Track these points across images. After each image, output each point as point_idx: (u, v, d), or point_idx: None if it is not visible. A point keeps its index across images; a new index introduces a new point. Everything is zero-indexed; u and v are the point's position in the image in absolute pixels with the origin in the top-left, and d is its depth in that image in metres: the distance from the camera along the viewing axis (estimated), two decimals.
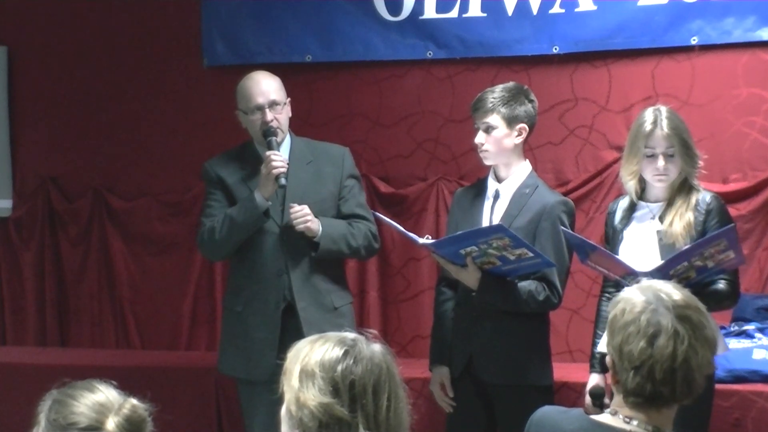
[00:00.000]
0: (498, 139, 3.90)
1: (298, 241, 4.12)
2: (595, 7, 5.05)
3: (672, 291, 2.22)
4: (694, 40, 4.94)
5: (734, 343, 4.40)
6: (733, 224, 3.59)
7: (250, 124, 4.18)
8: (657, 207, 3.81)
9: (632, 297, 2.23)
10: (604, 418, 2.26)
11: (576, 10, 5.08)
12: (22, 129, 6.09)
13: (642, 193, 3.86)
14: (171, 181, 5.82)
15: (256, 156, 4.18)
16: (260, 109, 4.13)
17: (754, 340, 4.47)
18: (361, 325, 5.15)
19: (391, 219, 4.13)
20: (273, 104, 4.14)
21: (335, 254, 4.18)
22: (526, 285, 3.82)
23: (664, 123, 3.75)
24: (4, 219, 6.08)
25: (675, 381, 2.16)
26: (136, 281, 5.90)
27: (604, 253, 3.69)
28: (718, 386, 4.10)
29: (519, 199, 3.92)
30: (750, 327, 4.52)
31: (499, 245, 3.66)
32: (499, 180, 3.98)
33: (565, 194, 5.09)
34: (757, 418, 4.27)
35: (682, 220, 3.71)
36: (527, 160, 4.03)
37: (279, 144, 4.16)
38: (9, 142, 6.05)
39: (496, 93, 3.92)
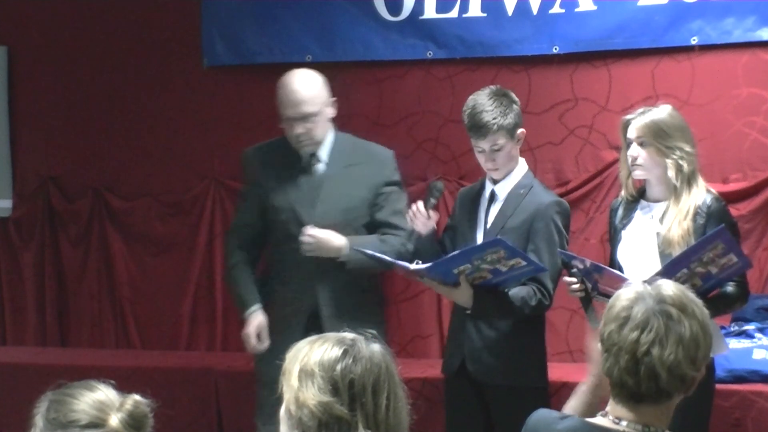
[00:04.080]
0: (506, 154, 3.89)
1: None
2: (595, 7, 5.05)
3: (668, 288, 2.23)
4: (694, 40, 4.94)
5: (734, 343, 4.40)
6: (722, 225, 3.51)
7: (287, 130, 4.16)
8: (657, 207, 3.79)
9: (629, 288, 2.26)
10: (597, 420, 2.28)
11: (576, 10, 5.07)
12: (22, 129, 6.09)
13: (644, 192, 3.85)
14: (171, 181, 5.82)
15: (295, 154, 4.16)
16: (289, 121, 4.09)
17: (754, 340, 4.47)
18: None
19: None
20: (305, 117, 4.08)
21: (367, 271, 4.12)
22: (518, 291, 3.80)
23: (643, 114, 3.75)
24: (4, 219, 6.08)
25: (638, 373, 2.17)
26: (136, 281, 5.90)
27: (598, 266, 3.65)
28: (718, 386, 4.10)
29: (514, 199, 3.91)
30: (750, 327, 4.52)
31: (493, 258, 3.64)
32: (495, 181, 3.97)
33: (565, 194, 5.11)
34: (757, 418, 4.27)
35: (680, 227, 3.66)
36: (523, 159, 4.01)
37: (318, 146, 4.14)
38: (9, 142, 6.05)
39: (491, 111, 3.84)
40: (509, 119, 3.86)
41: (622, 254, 3.81)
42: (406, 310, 5.44)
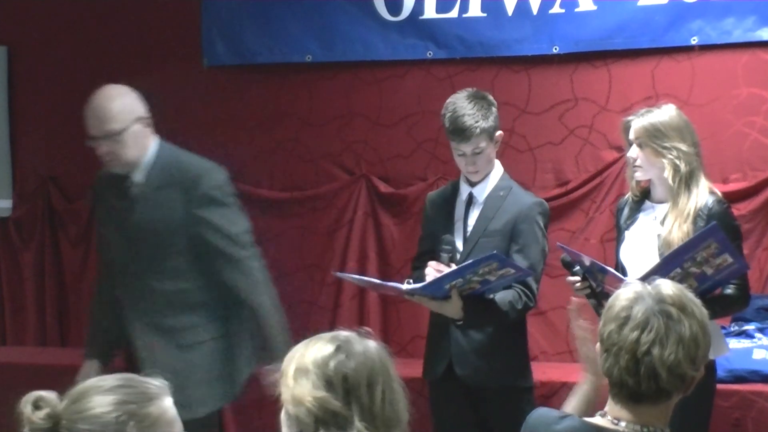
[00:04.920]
0: (486, 157, 3.88)
1: (139, 276, 3.81)
2: (595, 7, 5.05)
3: (667, 288, 2.23)
4: (694, 40, 4.95)
5: (734, 343, 4.40)
6: (714, 223, 3.47)
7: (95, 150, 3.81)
8: (660, 208, 3.78)
9: (629, 288, 2.27)
10: (595, 420, 2.28)
11: (576, 10, 5.08)
12: (22, 129, 6.09)
13: (649, 193, 3.84)
14: None
15: (121, 178, 3.83)
16: (93, 140, 3.75)
17: (754, 340, 4.47)
18: (361, 326, 5.15)
19: (367, 272, 4.00)
20: (107, 136, 3.73)
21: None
22: (504, 296, 3.79)
23: (642, 116, 3.73)
24: (4, 219, 6.08)
25: (638, 372, 2.17)
26: None
27: (599, 266, 3.65)
28: (718, 386, 4.10)
29: (494, 201, 3.90)
30: (750, 327, 4.52)
31: (485, 271, 3.64)
32: (471, 183, 3.95)
33: (565, 194, 5.12)
34: (757, 418, 4.27)
35: (680, 230, 3.62)
36: (497, 161, 3.98)
37: (131, 166, 3.78)
38: (9, 142, 6.06)
39: (473, 114, 3.82)
40: (490, 122, 3.84)
41: (625, 255, 3.80)
42: (405, 310, 5.43)
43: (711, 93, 4.96)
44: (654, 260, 3.63)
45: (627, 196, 3.90)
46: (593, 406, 2.61)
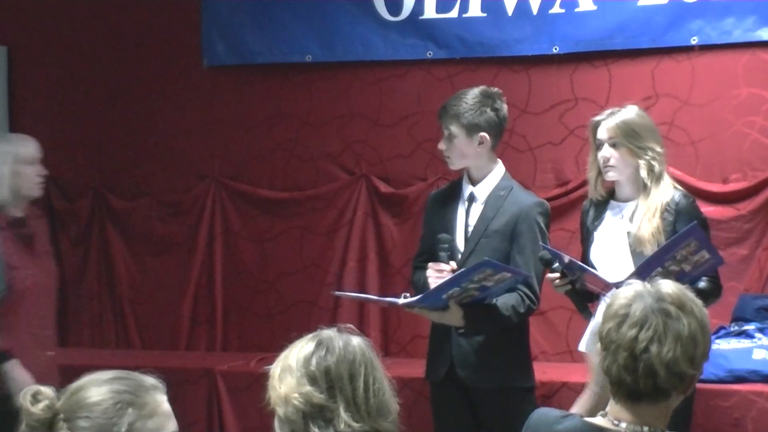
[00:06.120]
0: (459, 147, 3.91)
1: None
2: (595, 7, 5.05)
3: (667, 286, 2.24)
4: (694, 40, 4.95)
5: (734, 343, 4.41)
6: (695, 222, 3.53)
7: None
8: (627, 207, 3.80)
9: (630, 287, 2.27)
10: (596, 420, 2.29)
11: (576, 10, 5.08)
12: (22, 129, 6.07)
13: (614, 193, 3.87)
14: (171, 181, 5.82)
15: None
16: None
17: (754, 340, 4.46)
18: (361, 326, 5.17)
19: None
20: None
21: None
22: (506, 300, 3.80)
23: (613, 115, 3.77)
24: None
25: (636, 370, 2.17)
26: (136, 281, 5.90)
27: (580, 265, 3.65)
28: (718, 386, 4.11)
29: (494, 201, 3.91)
30: (750, 327, 4.51)
31: (480, 278, 3.64)
32: (473, 182, 3.96)
33: (565, 194, 5.12)
34: (757, 418, 4.27)
35: (650, 225, 3.68)
36: (500, 161, 4.01)
37: None
38: None
39: (459, 100, 3.90)
40: (472, 117, 3.87)
41: (595, 255, 3.83)
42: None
43: (711, 93, 4.96)
44: (625, 258, 3.70)
45: (590, 198, 3.93)
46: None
